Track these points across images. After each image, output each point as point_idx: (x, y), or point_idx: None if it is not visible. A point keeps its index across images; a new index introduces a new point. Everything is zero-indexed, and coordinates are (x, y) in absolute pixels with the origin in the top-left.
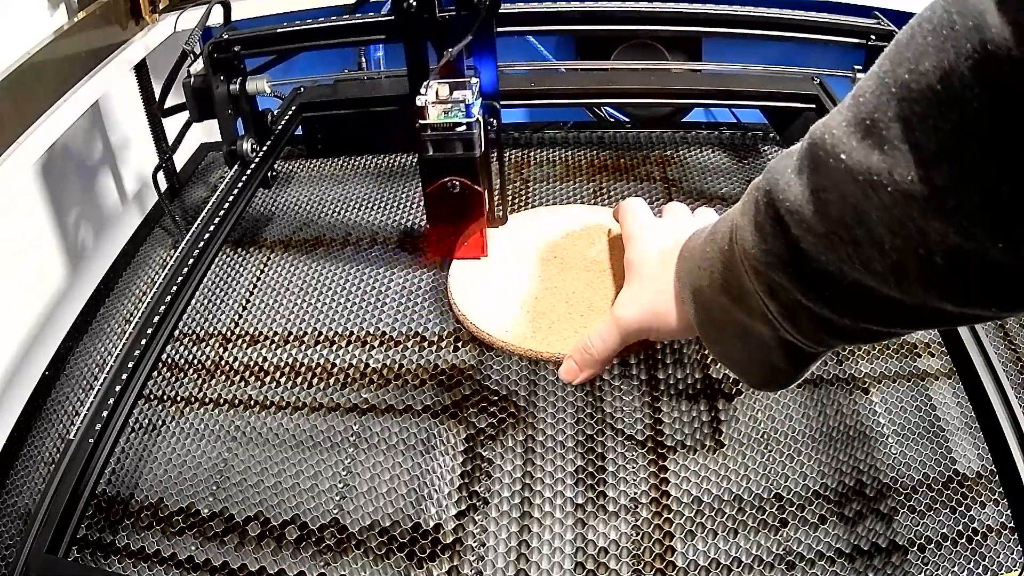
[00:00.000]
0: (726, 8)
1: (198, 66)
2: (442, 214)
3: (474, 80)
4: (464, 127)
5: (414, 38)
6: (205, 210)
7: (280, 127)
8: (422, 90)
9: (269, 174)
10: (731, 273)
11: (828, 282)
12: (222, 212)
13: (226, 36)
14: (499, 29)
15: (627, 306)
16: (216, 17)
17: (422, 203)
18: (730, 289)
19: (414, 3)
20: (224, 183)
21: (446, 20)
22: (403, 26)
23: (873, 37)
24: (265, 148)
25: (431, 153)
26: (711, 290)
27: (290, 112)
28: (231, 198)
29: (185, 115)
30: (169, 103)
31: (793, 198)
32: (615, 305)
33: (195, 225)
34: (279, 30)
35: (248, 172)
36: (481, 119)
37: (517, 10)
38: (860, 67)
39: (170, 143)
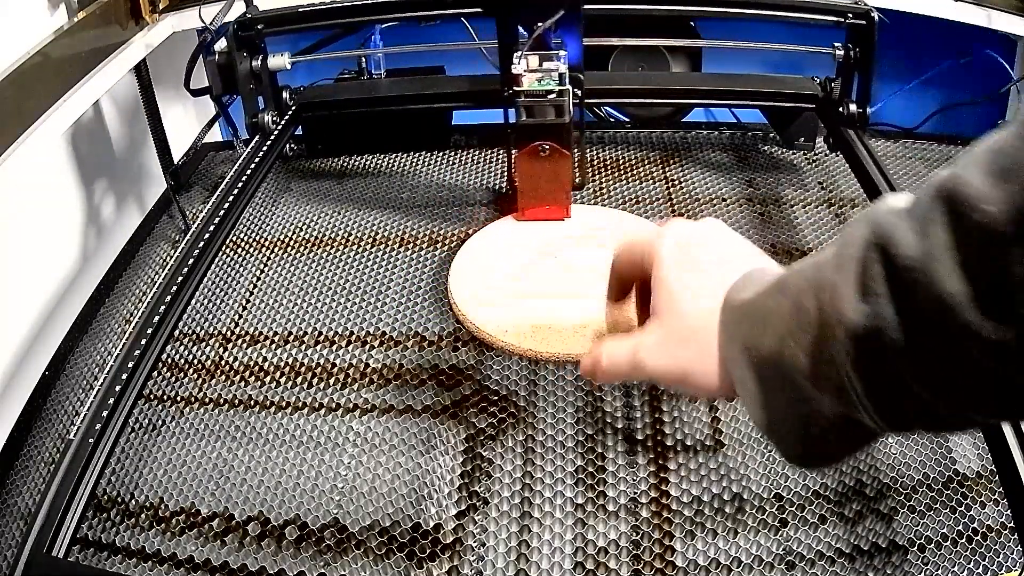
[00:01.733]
0: None
1: (221, 44)
2: (531, 176)
3: (562, 52)
4: (556, 94)
5: (506, 12)
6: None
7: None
8: (516, 60)
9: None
10: (808, 336)
11: (958, 361)
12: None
13: (250, 15)
14: (585, 7)
15: (656, 356)
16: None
17: (422, 203)
18: (799, 354)
19: None
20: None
21: None
22: (496, 1)
23: (850, 16)
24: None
25: (524, 118)
26: (771, 350)
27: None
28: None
29: (199, 113)
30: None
31: (919, 256)
32: (642, 343)
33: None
34: (327, 5)
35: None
36: (570, 88)
37: None
38: (839, 44)
39: (170, 142)
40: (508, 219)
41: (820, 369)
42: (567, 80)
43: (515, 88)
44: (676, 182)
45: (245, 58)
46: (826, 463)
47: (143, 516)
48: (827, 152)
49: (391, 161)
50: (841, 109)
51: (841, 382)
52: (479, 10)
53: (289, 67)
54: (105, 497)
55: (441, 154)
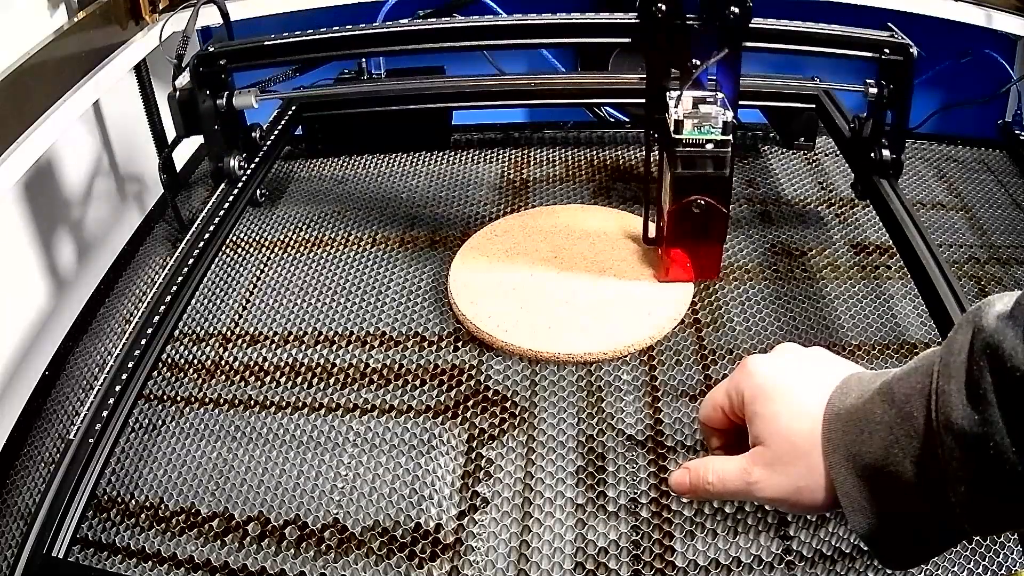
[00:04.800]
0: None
1: (184, 79)
2: (682, 233)
3: (720, 94)
4: (718, 144)
5: (659, 44)
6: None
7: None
8: (671, 102)
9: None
10: (914, 443)
11: None
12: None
13: (212, 48)
14: (746, 44)
15: (768, 479)
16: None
17: (422, 203)
18: (906, 461)
19: (663, 7)
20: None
21: (694, 28)
22: (648, 31)
23: (887, 51)
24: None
25: (680, 170)
26: (876, 458)
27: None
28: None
29: None
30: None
31: None
32: (752, 467)
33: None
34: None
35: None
36: (731, 139)
37: (767, 26)
38: (871, 81)
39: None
40: (508, 219)
41: (926, 477)
42: (731, 129)
43: (672, 135)
44: None
45: (208, 96)
46: (920, 563)
47: (143, 516)
48: (827, 152)
49: (391, 161)
50: (873, 155)
51: (945, 489)
52: (627, 40)
53: (256, 106)
54: (105, 497)
55: (441, 154)
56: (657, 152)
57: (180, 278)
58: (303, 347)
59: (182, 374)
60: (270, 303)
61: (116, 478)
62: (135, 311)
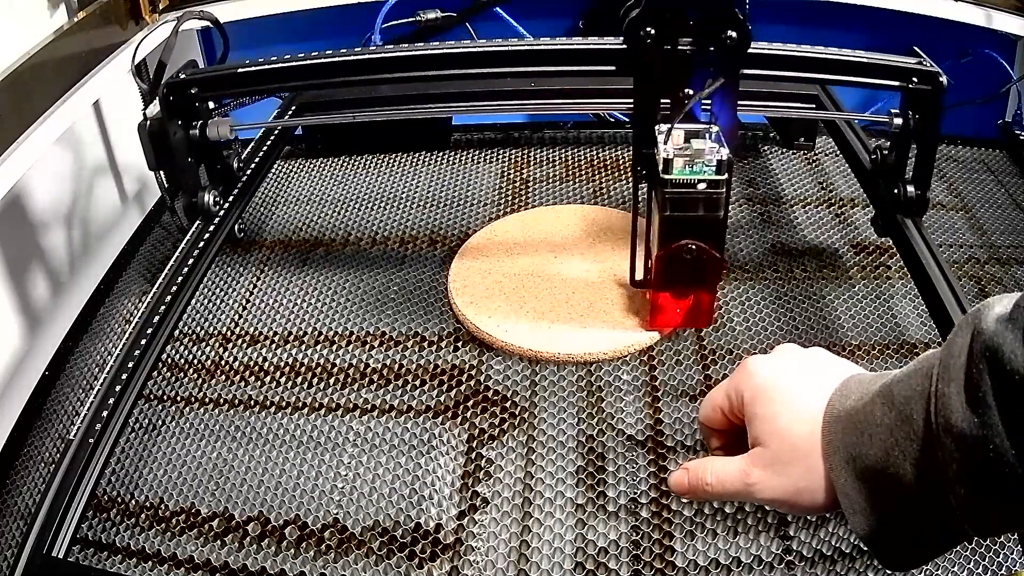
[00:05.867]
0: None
1: (154, 108)
2: (671, 279)
3: (714, 128)
4: (711, 185)
5: (648, 74)
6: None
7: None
8: (660, 137)
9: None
10: (914, 445)
11: None
12: (180, 279)
13: (183, 76)
14: (743, 72)
15: (767, 480)
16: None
17: (422, 203)
18: (905, 463)
19: (653, 31)
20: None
21: (686, 55)
22: (636, 58)
23: (915, 80)
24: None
25: (670, 212)
26: (876, 460)
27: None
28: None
29: None
30: None
31: None
32: (751, 468)
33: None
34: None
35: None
36: (727, 178)
37: (767, 51)
38: (896, 111)
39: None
40: (508, 219)
41: (926, 479)
42: (725, 168)
43: (660, 174)
44: None
45: (179, 127)
46: (921, 564)
47: (143, 516)
48: (827, 152)
49: (391, 161)
50: (896, 191)
51: (945, 491)
52: (612, 68)
53: (232, 136)
54: (105, 497)
55: (441, 154)
56: (646, 189)
57: (180, 278)
58: (303, 347)
59: (182, 374)
60: (270, 303)
61: (116, 478)
62: (135, 311)
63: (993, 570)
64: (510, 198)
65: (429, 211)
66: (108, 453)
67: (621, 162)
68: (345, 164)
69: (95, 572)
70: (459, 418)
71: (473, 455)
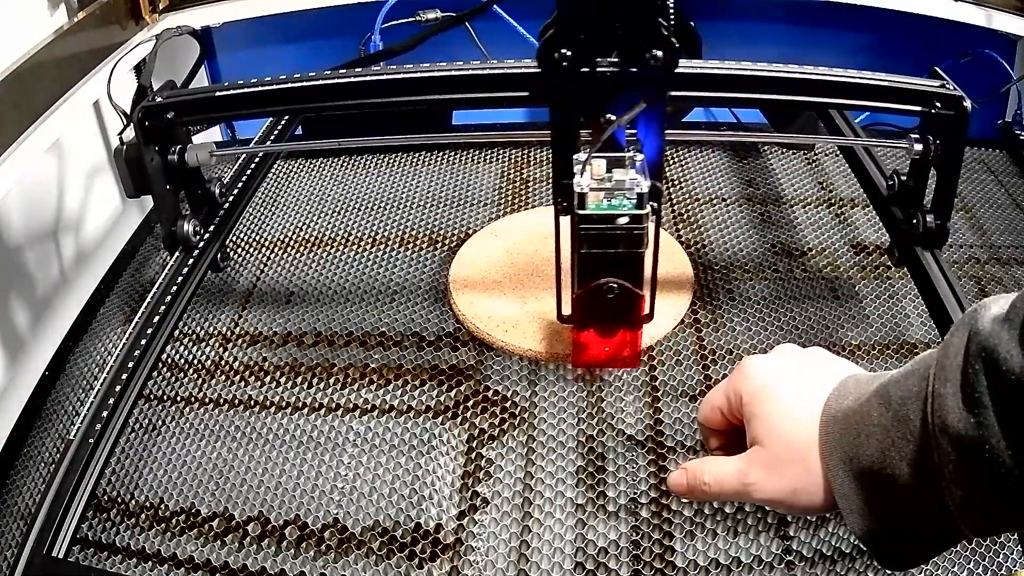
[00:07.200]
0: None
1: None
2: (592, 317)
3: (639, 157)
4: (632, 220)
5: (565, 99)
6: (141, 309)
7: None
8: (576, 168)
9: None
10: (910, 446)
11: None
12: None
13: (159, 99)
14: (672, 93)
15: (765, 480)
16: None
17: (422, 203)
18: (902, 464)
19: (569, 53)
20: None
21: (607, 78)
22: (552, 84)
23: (938, 105)
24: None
25: (586, 249)
26: (872, 460)
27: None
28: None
29: None
30: None
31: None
32: (749, 468)
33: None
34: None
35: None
36: (650, 212)
37: (698, 70)
38: (916, 135)
39: None
40: (508, 219)
41: (922, 479)
42: (647, 200)
43: (576, 210)
44: (676, 182)
45: (156, 152)
46: (918, 564)
47: (143, 516)
48: (827, 152)
49: (391, 161)
50: (915, 221)
51: (942, 491)
52: (525, 94)
53: (212, 162)
54: (105, 497)
55: (441, 154)
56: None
57: (180, 278)
58: (303, 347)
59: (182, 374)
60: (270, 303)
61: (116, 478)
62: (135, 311)
63: (993, 570)
64: (510, 198)
65: (429, 211)
66: (108, 453)
67: None
68: (345, 164)
69: (95, 572)
70: (459, 418)
71: (473, 455)
